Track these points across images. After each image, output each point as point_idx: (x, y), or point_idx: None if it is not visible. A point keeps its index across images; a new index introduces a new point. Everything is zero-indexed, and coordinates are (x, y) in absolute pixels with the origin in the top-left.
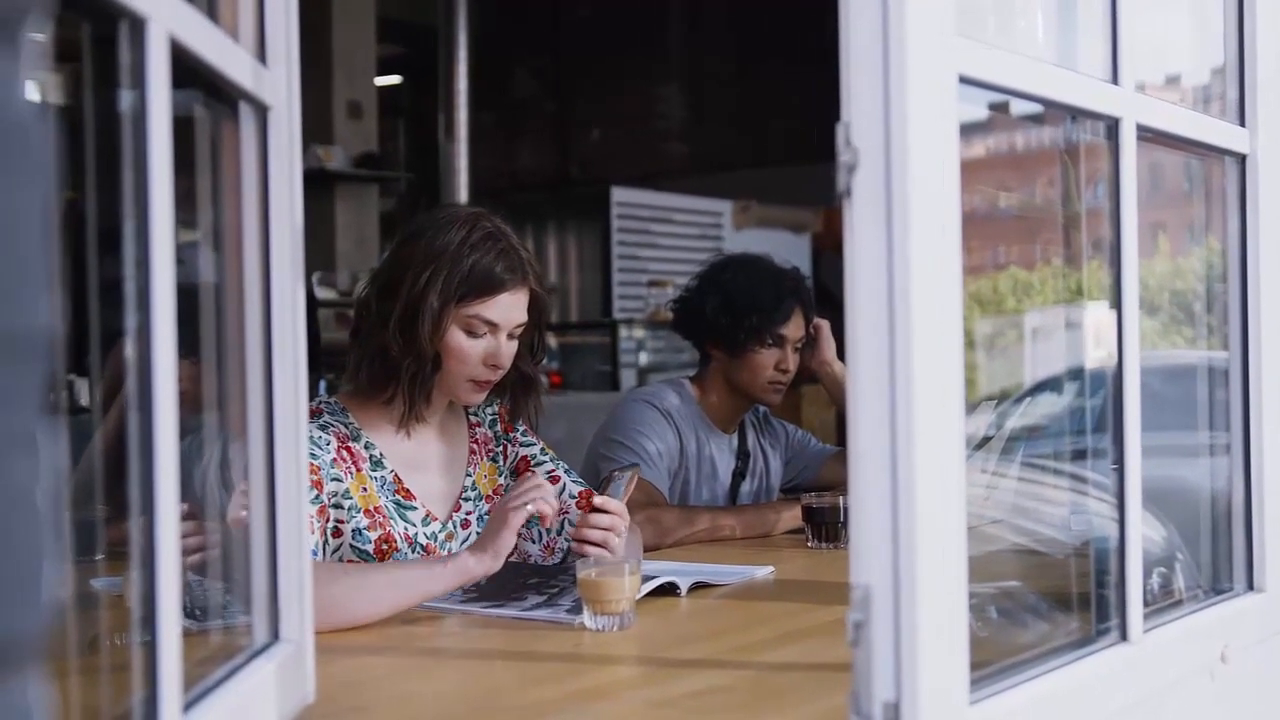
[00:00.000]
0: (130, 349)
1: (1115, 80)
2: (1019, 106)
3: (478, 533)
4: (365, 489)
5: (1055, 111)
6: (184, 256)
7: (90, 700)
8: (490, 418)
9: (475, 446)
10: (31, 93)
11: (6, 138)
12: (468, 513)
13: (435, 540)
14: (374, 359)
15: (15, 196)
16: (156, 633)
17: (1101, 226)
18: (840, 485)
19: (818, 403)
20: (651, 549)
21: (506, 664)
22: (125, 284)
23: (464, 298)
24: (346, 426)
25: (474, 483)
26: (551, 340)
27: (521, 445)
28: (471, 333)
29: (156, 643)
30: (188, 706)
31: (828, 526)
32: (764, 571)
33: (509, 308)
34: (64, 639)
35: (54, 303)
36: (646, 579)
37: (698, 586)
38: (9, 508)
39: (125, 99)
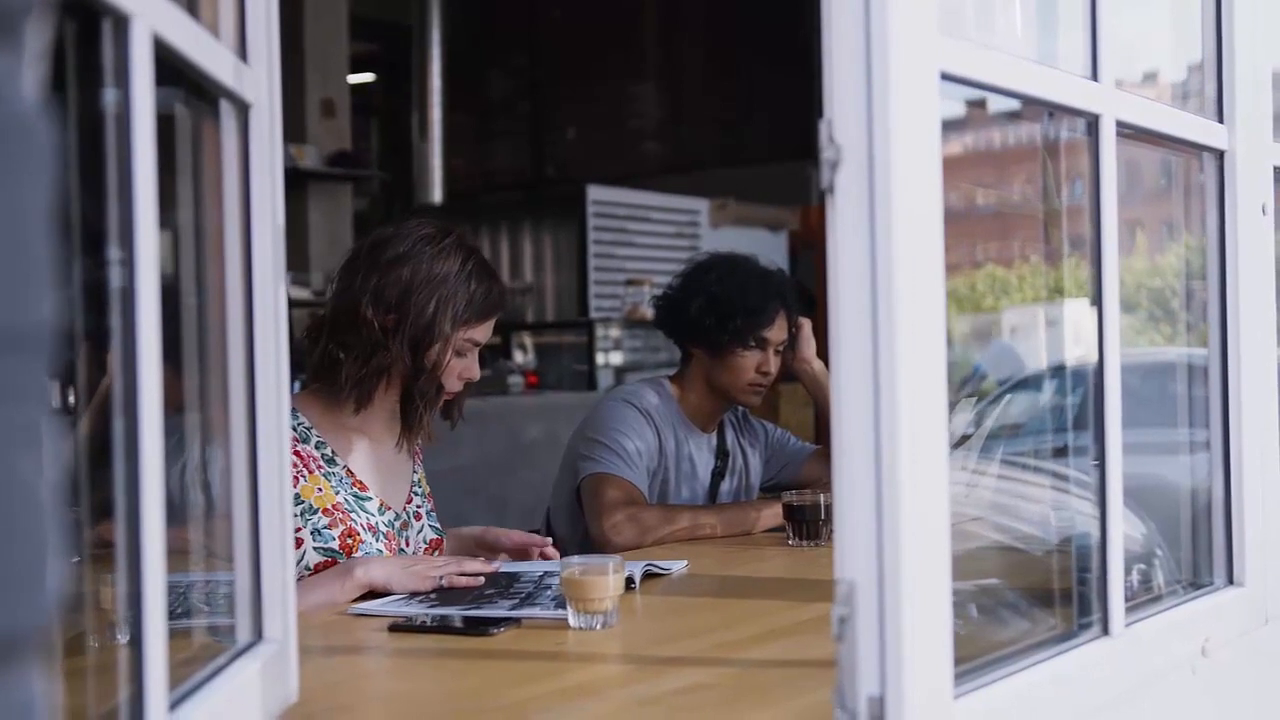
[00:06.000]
0: (113, 349)
1: (1095, 77)
2: (996, 103)
3: (429, 525)
4: (320, 489)
5: (1033, 108)
6: (163, 256)
7: (75, 701)
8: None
9: (416, 449)
10: (34, 90)
11: (11, 135)
12: (418, 506)
13: (393, 528)
14: (376, 375)
15: (21, 193)
16: (142, 633)
17: (1080, 223)
18: (820, 483)
19: (794, 401)
20: (633, 548)
21: (490, 663)
22: (105, 284)
23: (467, 322)
24: (295, 428)
25: (419, 480)
26: (527, 340)
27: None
28: (459, 353)
29: (142, 643)
30: (173, 706)
31: (808, 524)
32: (679, 565)
33: (491, 328)
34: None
35: (55, 299)
36: None
37: (650, 575)
38: (14, 501)
39: (108, 96)
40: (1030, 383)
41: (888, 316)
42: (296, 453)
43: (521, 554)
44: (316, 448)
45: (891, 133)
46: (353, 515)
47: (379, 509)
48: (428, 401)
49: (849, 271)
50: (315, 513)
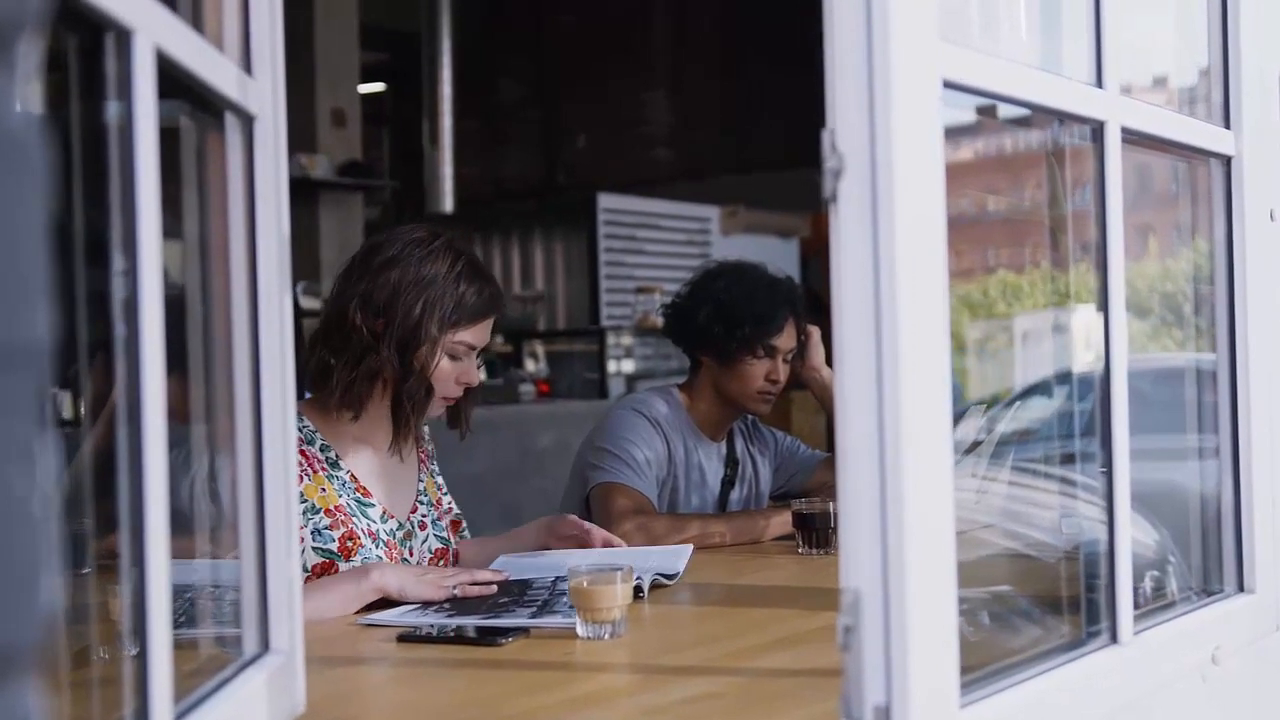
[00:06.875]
0: (117, 361)
1: (1100, 83)
2: (1006, 110)
3: (435, 535)
4: (324, 489)
5: (1041, 115)
6: (169, 267)
7: (80, 712)
8: (426, 435)
9: (423, 457)
10: (28, 105)
11: (5, 151)
12: (423, 515)
13: (395, 538)
14: (366, 379)
15: (15, 209)
16: (147, 644)
17: (1089, 229)
18: (830, 491)
19: (807, 408)
20: None
21: (499, 673)
22: (112, 295)
23: (455, 324)
24: (300, 430)
25: (424, 489)
26: (539, 348)
27: (438, 473)
28: (453, 356)
29: (147, 654)
30: (179, 717)
31: (818, 532)
32: (687, 552)
33: (487, 331)
34: (55, 652)
35: (51, 314)
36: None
37: (657, 586)
38: (7, 517)
39: (111, 110)
40: (1041, 389)
41: (891, 324)
42: (302, 452)
43: (581, 544)
44: (321, 450)
45: (894, 141)
46: (354, 519)
47: (381, 516)
48: (415, 404)
49: (853, 279)
50: (318, 512)
